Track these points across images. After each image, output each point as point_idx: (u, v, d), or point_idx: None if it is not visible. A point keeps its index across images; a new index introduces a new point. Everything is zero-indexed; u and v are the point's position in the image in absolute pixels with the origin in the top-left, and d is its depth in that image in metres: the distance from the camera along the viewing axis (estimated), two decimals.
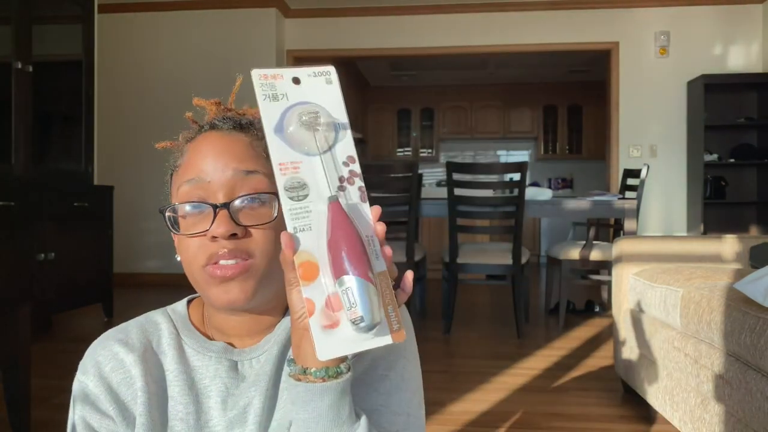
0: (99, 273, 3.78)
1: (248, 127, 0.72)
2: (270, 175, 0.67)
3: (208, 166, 0.67)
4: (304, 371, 0.55)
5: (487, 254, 3.49)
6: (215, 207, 0.65)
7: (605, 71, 5.82)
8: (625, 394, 2.36)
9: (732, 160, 5.46)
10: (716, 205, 5.49)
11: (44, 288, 3.27)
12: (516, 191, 3.38)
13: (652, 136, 5.53)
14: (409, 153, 8.91)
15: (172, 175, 0.73)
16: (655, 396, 1.93)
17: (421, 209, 3.59)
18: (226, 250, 0.65)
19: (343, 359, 0.57)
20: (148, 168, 5.50)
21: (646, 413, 2.14)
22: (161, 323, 0.75)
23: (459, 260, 3.46)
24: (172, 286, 5.30)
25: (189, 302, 0.79)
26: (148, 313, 0.78)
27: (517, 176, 3.36)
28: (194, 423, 0.70)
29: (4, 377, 1.79)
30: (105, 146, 5.24)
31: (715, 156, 5.40)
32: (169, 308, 0.78)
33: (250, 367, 0.72)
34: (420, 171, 3.75)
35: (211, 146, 0.68)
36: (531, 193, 3.62)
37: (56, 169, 3.85)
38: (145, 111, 5.61)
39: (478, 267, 3.49)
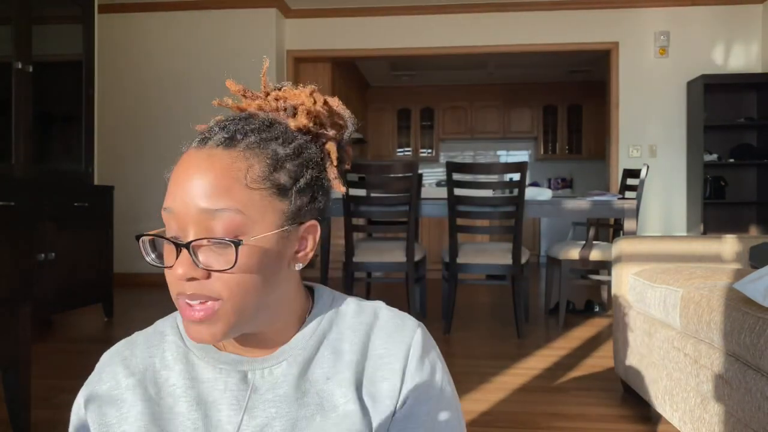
0: (99, 273, 3.78)
1: (240, 140, 0.65)
2: (246, 210, 0.62)
3: (177, 197, 0.63)
4: None
5: (487, 254, 3.50)
6: (177, 246, 0.62)
7: (605, 71, 5.82)
8: (625, 394, 2.36)
9: (732, 160, 5.46)
10: (716, 205, 5.50)
11: (44, 288, 3.27)
12: (516, 191, 3.38)
13: (652, 136, 5.53)
14: (409, 153, 8.91)
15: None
16: (655, 396, 1.93)
17: (421, 209, 3.59)
18: (188, 292, 0.62)
19: None
20: (148, 168, 5.51)
21: (646, 413, 2.14)
22: (168, 334, 0.73)
23: (459, 260, 3.46)
24: None
25: None
26: (159, 321, 0.76)
27: (516, 176, 3.36)
28: None
29: (4, 377, 1.79)
30: (105, 146, 5.24)
31: (715, 156, 5.40)
32: (178, 317, 0.75)
33: (261, 378, 0.69)
34: (420, 171, 3.75)
35: (185, 171, 0.63)
36: (531, 193, 3.62)
37: (56, 169, 3.85)
38: (145, 111, 5.61)
39: (478, 267, 3.49)
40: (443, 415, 0.72)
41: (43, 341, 3.27)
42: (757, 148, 5.49)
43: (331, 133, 0.71)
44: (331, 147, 0.70)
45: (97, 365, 0.74)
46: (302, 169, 0.67)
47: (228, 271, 0.62)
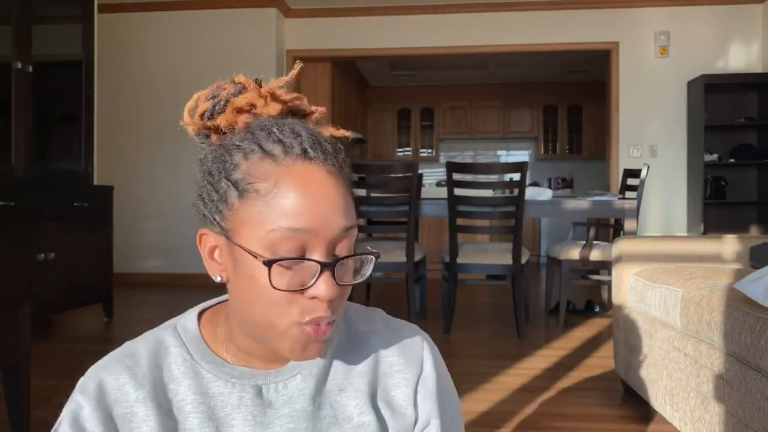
0: (99, 273, 3.78)
1: (334, 157, 0.63)
2: (357, 223, 0.64)
3: (318, 219, 0.59)
4: None
5: (487, 254, 3.49)
6: (322, 265, 0.59)
7: (605, 71, 5.81)
8: (625, 394, 2.36)
9: (732, 160, 5.46)
10: (716, 205, 5.49)
11: (44, 288, 3.27)
12: (516, 191, 3.38)
13: (652, 136, 5.53)
14: (409, 153, 8.91)
15: (240, 192, 0.61)
16: (655, 396, 1.93)
17: (421, 209, 3.59)
18: (327, 314, 0.60)
19: None
20: (148, 168, 5.51)
21: (646, 413, 2.14)
22: (171, 347, 0.68)
23: (459, 260, 3.46)
24: (172, 286, 5.30)
25: (199, 315, 0.72)
26: (156, 332, 0.70)
27: (517, 176, 3.36)
28: None
29: (4, 377, 1.79)
30: (105, 146, 5.24)
31: (715, 156, 5.40)
32: (179, 326, 0.70)
33: (275, 392, 0.67)
34: (420, 171, 3.75)
35: (321, 192, 0.60)
36: (531, 193, 3.62)
37: (56, 169, 3.85)
38: (145, 111, 5.61)
39: (478, 267, 3.49)
40: (458, 419, 0.75)
41: (43, 341, 3.27)
42: (758, 148, 5.49)
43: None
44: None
45: (92, 373, 0.67)
46: (350, 173, 0.67)
47: (357, 282, 0.63)
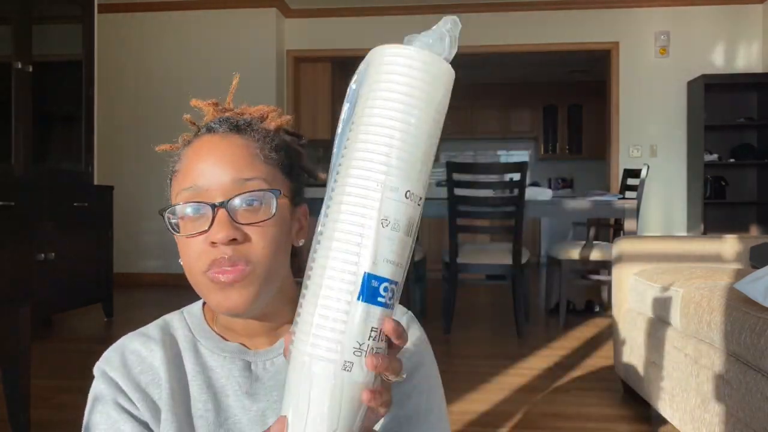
0: (99, 273, 3.78)
1: (246, 128, 0.71)
2: (269, 180, 0.68)
3: (205, 173, 0.67)
4: None
5: (487, 254, 3.49)
6: (213, 206, 0.65)
7: (605, 71, 5.81)
8: (625, 394, 2.36)
9: (732, 160, 5.46)
10: (716, 205, 5.49)
11: (44, 288, 3.27)
12: (516, 191, 3.38)
13: (652, 136, 5.53)
14: None
15: (171, 179, 0.72)
16: (655, 396, 1.93)
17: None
18: (226, 256, 0.64)
19: None
20: (148, 168, 5.50)
21: (646, 413, 2.14)
22: (177, 328, 0.76)
23: (459, 260, 3.46)
24: (172, 286, 5.30)
25: (204, 303, 0.79)
26: (165, 315, 0.78)
27: (517, 176, 3.36)
28: (214, 420, 0.71)
29: (4, 377, 1.79)
30: (105, 146, 5.24)
31: (715, 156, 5.40)
32: (185, 310, 0.79)
33: (264, 369, 0.73)
34: None
35: (208, 152, 0.68)
36: (531, 193, 3.62)
37: (56, 169, 3.85)
38: (145, 111, 5.60)
39: (478, 267, 3.49)
40: (435, 380, 0.80)
41: (43, 341, 3.27)
42: (758, 148, 5.49)
43: (292, 138, 0.79)
44: (300, 149, 0.79)
45: (112, 352, 0.73)
46: (294, 157, 0.75)
47: (265, 221, 0.66)
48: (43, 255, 3.24)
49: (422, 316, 3.91)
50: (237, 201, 0.66)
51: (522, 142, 8.86)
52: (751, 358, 1.35)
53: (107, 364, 0.72)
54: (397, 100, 0.50)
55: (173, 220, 0.68)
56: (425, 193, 0.51)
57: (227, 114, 0.75)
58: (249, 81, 5.60)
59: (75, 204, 3.56)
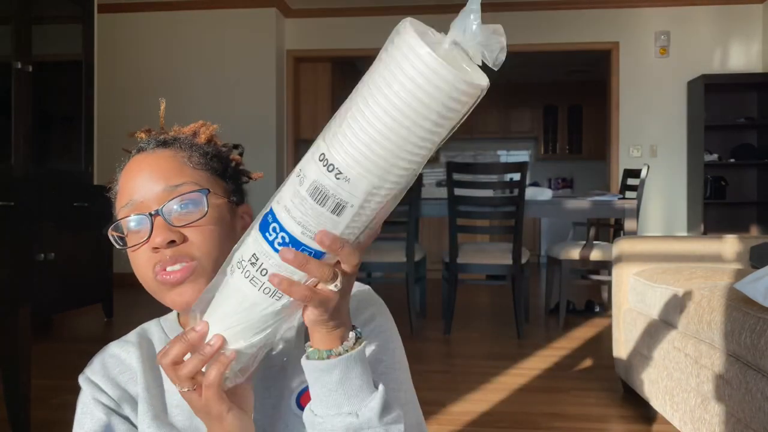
0: (99, 273, 3.78)
1: (172, 142, 0.76)
2: (200, 184, 0.72)
3: (138, 187, 0.71)
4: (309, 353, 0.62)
5: (487, 254, 3.49)
6: (150, 215, 0.69)
7: (605, 71, 5.81)
8: (625, 394, 2.36)
9: (732, 160, 5.46)
10: (716, 205, 5.49)
11: (44, 288, 3.27)
12: (516, 191, 3.38)
13: (652, 136, 5.53)
14: None
15: (113, 202, 0.76)
16: (655, 396, 1.93)
17: (421, 209, 3.59)
18: (168, 256, 0.68)
19: (347, 338, 0.61)
20: None
21: (646, 413, 2.14)
22: (154, 331, 0.82)
23: (459, 260, 3.46)
24: None
25: None
26: (143, 324, 0.84)
27: (517, 176, 3.36)
28: (189, 407, 0.73)
29: (4, 377, 1.79)
30: (105, 146, 5.23)
31: (715, 156, 5.40)
32: (162, 318, 0.84)
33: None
34: (420, 171, 3.74)
35: (138, 167, 0.73)
36: (531, 193, 3.62)
37: (56, 169, 3.85)
38: (145, 111, 5.59)
39: (478, 267, 3.49)
40: (396, 353, 0.77)
41: (43, 341, 3.27)
42: (758, 148, 5.49)
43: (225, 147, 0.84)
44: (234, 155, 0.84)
45: (95, 360, 0.79)
46: (226, 161, 0.79)
47: (199, 221, 0.69)
48: (43, 255, 3.25)
49: (422, 316, 3.91)
50: (169, 206, 0.69)
51: (522, 142, 8.86)
52: (751, 358, 1.35)
53: (90, 371, 0.78)
54: (387, 95, 0.49)
55: (119, 237, 0.72)
56: (363, 174, 0.51)
57: (153, 134, 0.80)
58: (249, 81, 5.60)
59: (75, 204, 3.56)
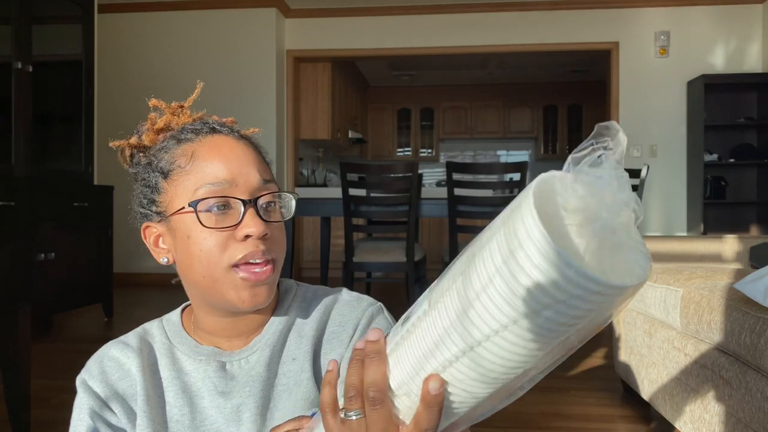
0: (99, 273, 3.78)
1: (247, 138, 0.76)
2: (276, 182, 0.73)
3: (234, 171, 0.69)
4: None
5: None
6: (245, 202, 0.68)
7: (605, 71, 5.81)
8: (625, 394, 2.36)
9: (732, 160, 5.46)
10: (716, 205, 5.49)
11: (44, 288, 3.27)
12: (516, 191, 3.38)
13: (652, 136, 5.53)
14: (409, 153, 8.91)
15: (168, 172, 0.71)
16: (655, 396, 1.93)
17: (421, 209, 3.59)
18: (260, 249, 0.67)
19: None
20: None
21: (646, 413, 2.14)
22: (156, 335, 0.78)
23: None
24: (172, 286, 5.30)
25: (183, 310, 0.82)
26: (145, 324, 0.81)
27: (517, 176, 3.36)
28: (189, 423, 0.73)
29: (4, 377, 1.79)
30: (105, 146, 5.24)
31: (715, 156, 5.40)
32: (164, 318, 0.81)
33: (239, 368, 0.74)
34: (420, 171, 3.75)
35: (230, 151, 0.71)
36: None
37: (56, 169, 3.85)
38: (145, 111, 5.56)
39: None
40: None
41: (43, 341, 3.27)
42: (758, 148, 5.49)
43: None
44: None
45: (93, 361, 0.77)
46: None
47: (282, 221, 0.71)
48: (43, 255, 3.25)
49: None
50: (264, 199, 0.70)
51: (522, 142, 8.86)
52: (751, 358, 1.35)
53: (88, 375, 0.75)
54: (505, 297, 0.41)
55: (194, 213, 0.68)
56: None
57: (208, 118, 0.78)
58: (249, 81, 5.60)
59: (75, 204, 3.56)
